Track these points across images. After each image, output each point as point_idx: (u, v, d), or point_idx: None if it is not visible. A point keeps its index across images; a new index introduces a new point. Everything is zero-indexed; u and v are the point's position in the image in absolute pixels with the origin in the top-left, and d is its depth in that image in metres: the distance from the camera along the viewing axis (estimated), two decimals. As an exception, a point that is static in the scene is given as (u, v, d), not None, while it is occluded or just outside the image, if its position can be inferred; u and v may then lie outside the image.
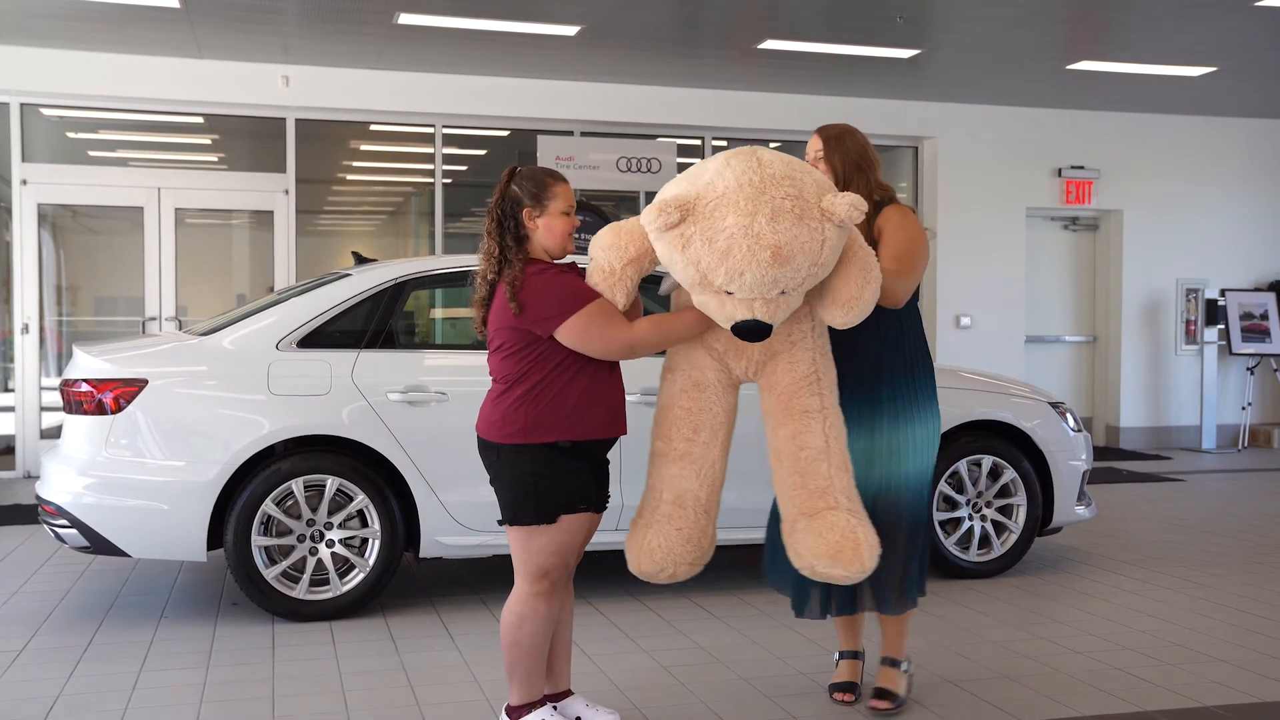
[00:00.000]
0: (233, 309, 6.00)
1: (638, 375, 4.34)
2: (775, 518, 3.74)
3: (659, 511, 3.34)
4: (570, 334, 3.25)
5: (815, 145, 3.81)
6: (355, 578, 4.96)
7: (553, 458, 3.28)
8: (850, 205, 3.12)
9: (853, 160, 3.76)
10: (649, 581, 3.38)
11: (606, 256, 3.31)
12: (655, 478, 3.40)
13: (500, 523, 3.37)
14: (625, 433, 3.43)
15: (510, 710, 3.42)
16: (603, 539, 4.20)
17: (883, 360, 3.71)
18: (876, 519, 3.53)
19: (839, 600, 3.84)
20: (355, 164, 10.75)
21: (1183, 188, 11.56)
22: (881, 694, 3.85)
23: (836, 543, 3.24)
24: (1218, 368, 11.52)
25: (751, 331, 3.17)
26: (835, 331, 3.53)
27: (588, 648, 4.49)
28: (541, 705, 3.41)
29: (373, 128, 10.13)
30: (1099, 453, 10.81)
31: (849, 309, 3.26)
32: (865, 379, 3.69)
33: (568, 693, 3.57)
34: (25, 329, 9.08)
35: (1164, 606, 5.27)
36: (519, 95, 9.82)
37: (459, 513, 4.99)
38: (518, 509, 3.31)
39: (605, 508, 3.46)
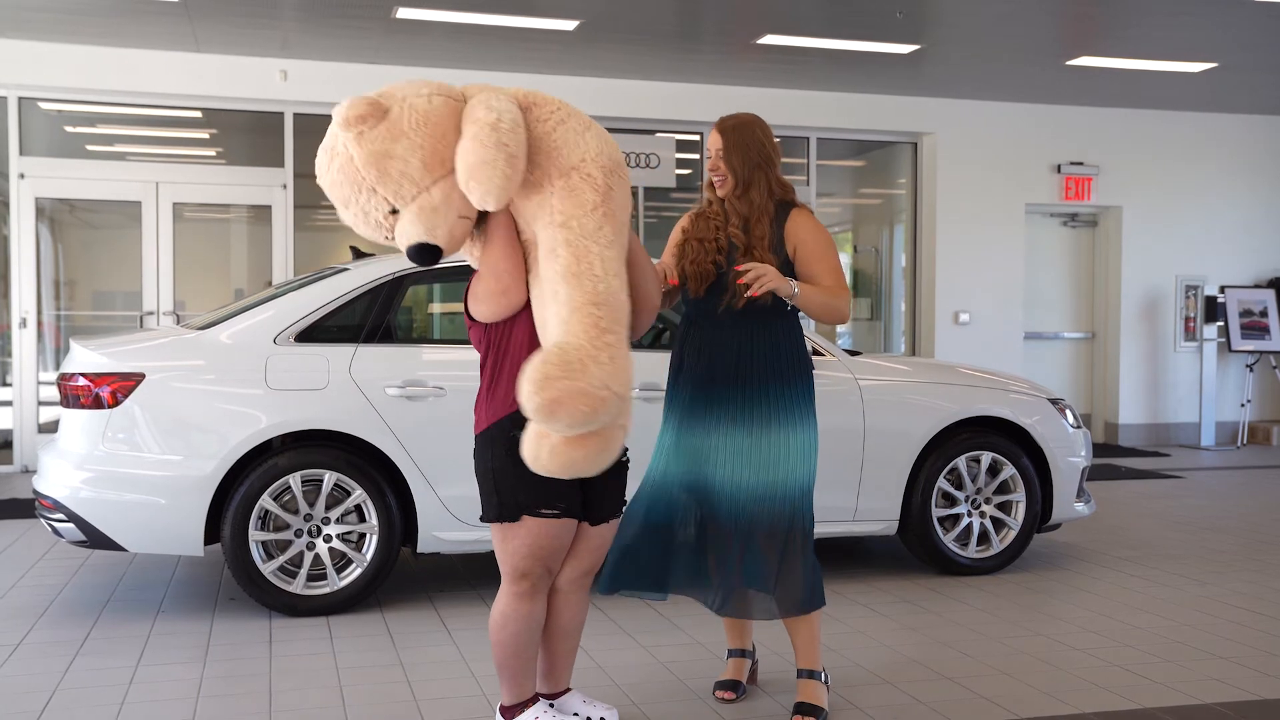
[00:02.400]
0: (230, 303, 5.98)
1: (636, 371, 4.31)
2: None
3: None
4: (473, 309, 3.27)
5: (715, 143, 3.68)
6: (352, 573, 4.95)
7: (515, 453, 3.19)
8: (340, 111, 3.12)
9: (753, 159, 3.64)
10: None
11: None
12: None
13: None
14: None
15: (504, 710, 3.40)
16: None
17: (754, 361, 3.61)
18: (761, 521, 3.54)
19: (719, 600, 3.68)
20: (354, 159, 10.72)
21: (1182, 184, 11.55)
22: (804, 709, 3.67)
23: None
24: (1217, 365, 11.51)
25: (415, 254, 3.12)
26: (708, 331, 3.55)
27: (585, 643, 4.47)
28: (534, 704, 3.39)
29: (371, 122, 10.09)
30: (1098, 449, 10.81)
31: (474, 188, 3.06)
32: (735, 378, 3.61)
33: (567, 690, 3.55)
34: (23, 323, 9.07)
35: (1164, 603, 5.26)
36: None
37: (456, 508, 4.98)
38: (484, 504, 3.31)
39: (602, 519, 3.37)
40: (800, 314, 3.73)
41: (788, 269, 3.65)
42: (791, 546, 3.59)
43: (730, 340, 3.64)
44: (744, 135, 3.66)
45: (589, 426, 2.95)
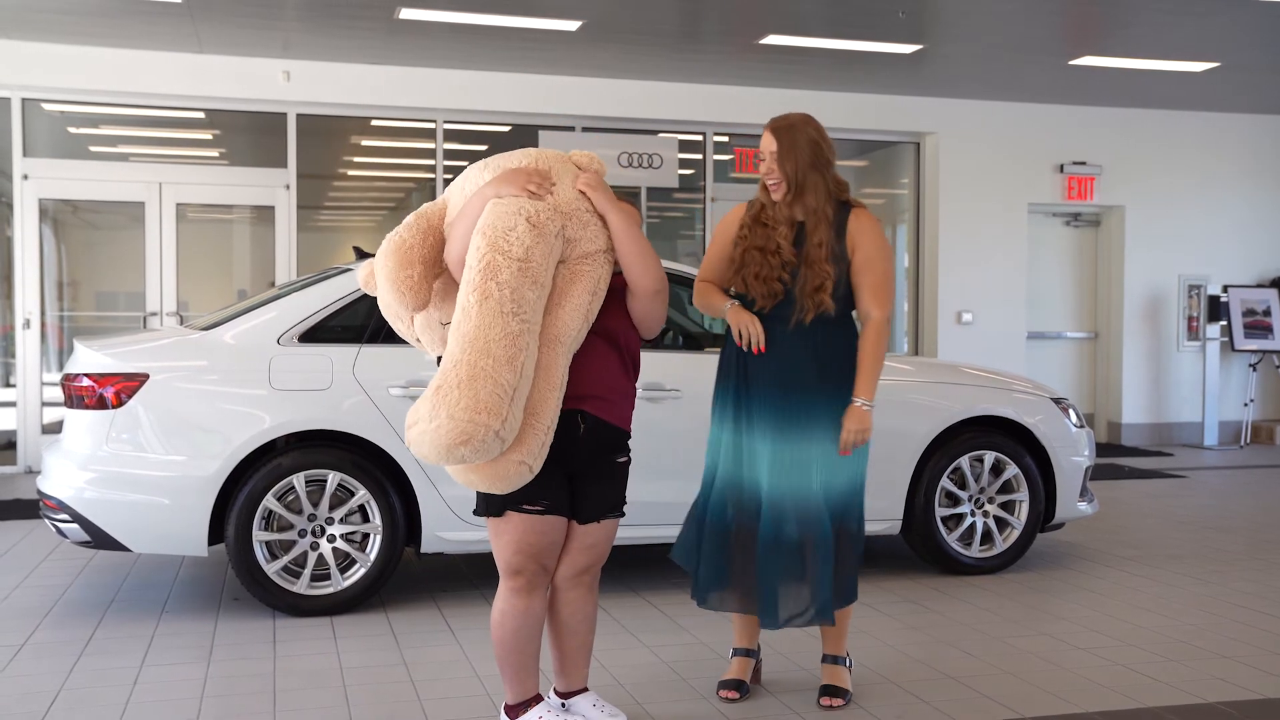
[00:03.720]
0: (234, 304, 5.99)
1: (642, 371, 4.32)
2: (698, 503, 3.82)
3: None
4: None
5: (769, 144, 3.63)
6: (356, 573, 4.96)
7: None
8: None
9: (806, 160, 3.59)
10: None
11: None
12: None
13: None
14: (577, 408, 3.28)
15: (508, 709, 3.41)
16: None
17: (829, 367, 3.64)
18: (808, 524, 3.60)
19: (764, 609, 3.71)
20: (356, 159, 10.74)
21: (1185, 184, 11.54)
22: (832, 691, 3.84)
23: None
24: (1220, 364, 11.50)
25: None
26: (776, 341, 3.59)
27: (589, 643, 4.48)
28: (537, 703, 3.40)
29: (374, 123, 10.12)
30: (1101, 449, 10.80)
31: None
32: (797, 385, 3.63)
33: (583, 690, 3.56)
34: (26, 324, 9.08)
35: (1167, 603, 5.26)
36: (520, 90, 9.80)
37: (460, 507, 4.98)
38: (476, 499, 3.33)
39: (592, 519, 3.36)
40: (853, 314, 3.76)
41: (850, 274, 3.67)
42: (843, 544, 3.70)
43: (805, 349, 3.65)
44: (796, 137, 3.60)
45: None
